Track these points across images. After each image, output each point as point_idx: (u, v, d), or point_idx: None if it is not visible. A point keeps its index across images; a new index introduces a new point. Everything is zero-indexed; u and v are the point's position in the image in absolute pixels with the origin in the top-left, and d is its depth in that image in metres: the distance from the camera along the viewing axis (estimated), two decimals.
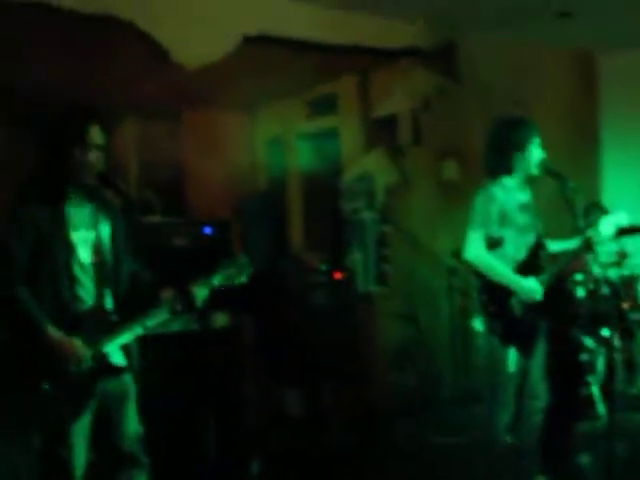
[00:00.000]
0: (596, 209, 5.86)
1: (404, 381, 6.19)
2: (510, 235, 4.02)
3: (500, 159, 4.02)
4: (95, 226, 3.21)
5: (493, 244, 3.98)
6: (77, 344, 3.05)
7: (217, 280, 3.29)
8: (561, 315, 5.63)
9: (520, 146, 3.97)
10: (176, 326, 4.78)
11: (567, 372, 5.47)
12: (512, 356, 3.96)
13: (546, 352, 4.15)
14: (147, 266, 3.34)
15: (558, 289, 5.33)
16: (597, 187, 7.42)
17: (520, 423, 4.13)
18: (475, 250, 3.94)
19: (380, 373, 6.20)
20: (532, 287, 3.96)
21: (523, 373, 4.05)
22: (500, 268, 3.95)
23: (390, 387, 6.18)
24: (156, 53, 5.30)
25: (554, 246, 4.18)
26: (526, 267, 4.03)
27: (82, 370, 3.05)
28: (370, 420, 5.74)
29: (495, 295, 4.00)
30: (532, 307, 3.98)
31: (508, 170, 4.01)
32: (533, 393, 4.11)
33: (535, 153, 3.98)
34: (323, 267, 5.93)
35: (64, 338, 3.03)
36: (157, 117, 6.99)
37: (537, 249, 4.09)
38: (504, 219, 3.98)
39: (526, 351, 4.01)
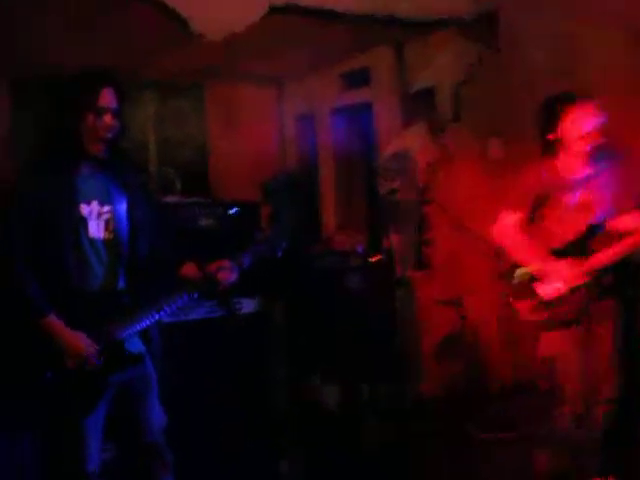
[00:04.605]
0: None
1: (448, 372, 6.03)
2: (556, 213, 3.90)
3: (543, 137, 3.96)
4: (110, 199, 3.06)
5: (532, 220, 3.92)
6: (81, 340, 2.88)
7: (247, 258, 3.16)
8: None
9: (552, 123, 3.89)
10: (200, 312, 4.67)
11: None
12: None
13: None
14: (171, 247, 3.22)
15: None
16: None
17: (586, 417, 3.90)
18: (503, 226, 3.91)
19: (422, 364, 6.07)
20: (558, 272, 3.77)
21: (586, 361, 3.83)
22: (523, 250, 3.85)
23: (433, 379, 6.04)
24: (175, 23, 5.09)
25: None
26: (575, 248, 3.87)
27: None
28: (411, 415, 5.57)
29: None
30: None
31: (552, 147, 3.91)
32: (599, 381, 3.86)
33: (575, 128, 3.82)
34: (358, 250, 5.71)
35: (67, 333, 2.87)
36: (178, 91, 6.86)
37: (592, 230, 3.89)
38: (549, 197, 3.89)
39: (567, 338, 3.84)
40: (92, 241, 3.00)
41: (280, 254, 3.19)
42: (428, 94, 6.58)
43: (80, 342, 2.87)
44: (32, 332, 2.87)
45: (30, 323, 2.87)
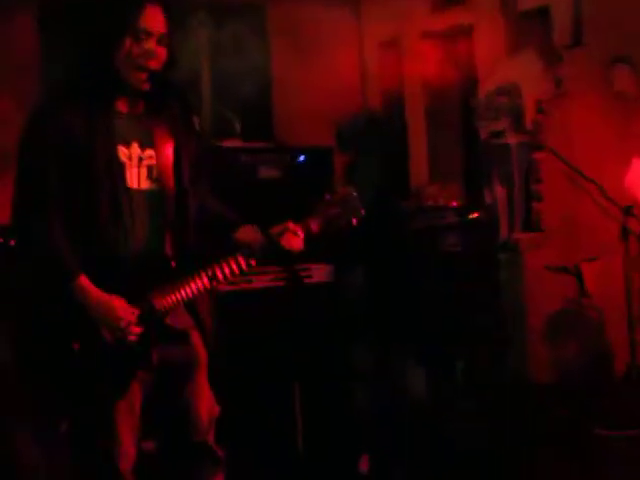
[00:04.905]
0: None
1: (562, 355, 5.67)
2: None
3: None
4: (153, 142, 2.83)
5: None
6: (118, 306, 2.66)
7: (315, 224, 2.91)
8: None
9: None
10: (264, 280, 4.65)
11: None
12: None
13: None
14: (228, 203, 3.02)
15: None
16: None
17: None
18: (637, 176, 3.89)
19: (530, 344, 5.70)
20: None
21: None
22: None
23: (544, 363, 5.69)
24: None
25: None
26: None
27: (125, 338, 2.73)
28: (517, 405, 5.21)
29: None
30: None
31: None
32: None
33: None
34: (454, 205, 5.56)
35: (102, 297, 2.66)
36: (235, 13, 6.45)
37: None
38: None
39: None
40: (130, 192, 2.76)
41: (355, 222, 2.94)
42: (540, 14, 6.11)
43: (118, 309, 2.67)
44: (59, 299, 2.67)
45: (57, 287, 2.67)
